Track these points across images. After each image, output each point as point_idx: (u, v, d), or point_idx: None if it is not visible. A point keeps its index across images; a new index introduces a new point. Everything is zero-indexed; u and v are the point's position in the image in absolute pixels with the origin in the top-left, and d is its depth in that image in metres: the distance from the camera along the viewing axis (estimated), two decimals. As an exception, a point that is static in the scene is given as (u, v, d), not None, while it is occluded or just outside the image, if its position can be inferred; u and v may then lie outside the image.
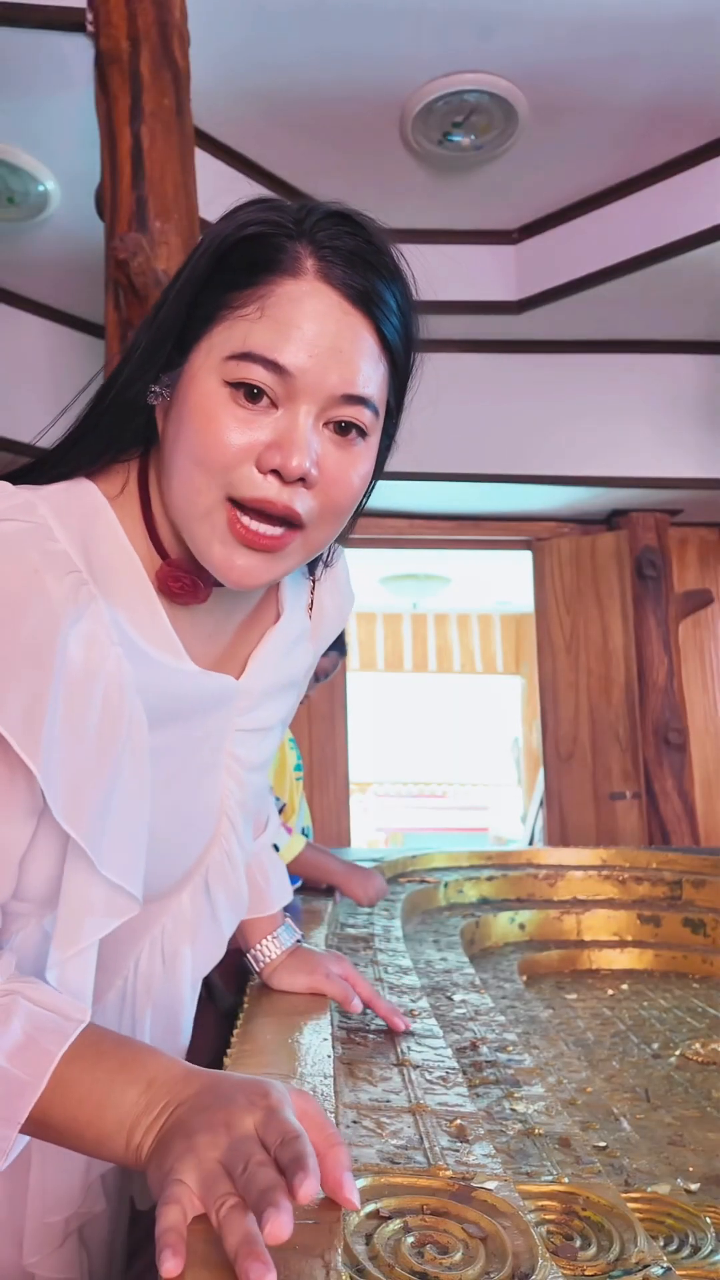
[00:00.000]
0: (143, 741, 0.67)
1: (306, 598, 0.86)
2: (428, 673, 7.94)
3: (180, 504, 0.66)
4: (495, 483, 4.07)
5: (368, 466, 0.68)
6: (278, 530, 0.64)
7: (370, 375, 0.64)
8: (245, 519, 0.64)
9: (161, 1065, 0.58)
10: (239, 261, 0.64)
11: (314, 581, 0.86)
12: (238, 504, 0.64)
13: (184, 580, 0.69)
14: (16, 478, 0.69)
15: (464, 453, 3.99)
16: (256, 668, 0.80)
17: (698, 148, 3.06)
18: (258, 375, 0.62)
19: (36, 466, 0.71)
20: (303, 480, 0.63)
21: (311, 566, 0.85)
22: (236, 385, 0.62)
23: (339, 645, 2.38)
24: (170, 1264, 0.46)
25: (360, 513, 0.73)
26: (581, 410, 4.05)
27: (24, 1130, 0.58)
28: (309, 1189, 0.48)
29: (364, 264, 0.64)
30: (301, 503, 0.64)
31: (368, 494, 0.71)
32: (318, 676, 2.36)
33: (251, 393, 0.62)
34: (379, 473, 0.72)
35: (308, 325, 0.62)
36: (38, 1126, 0.58)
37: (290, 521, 0.64)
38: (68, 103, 2.61)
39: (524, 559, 4.69)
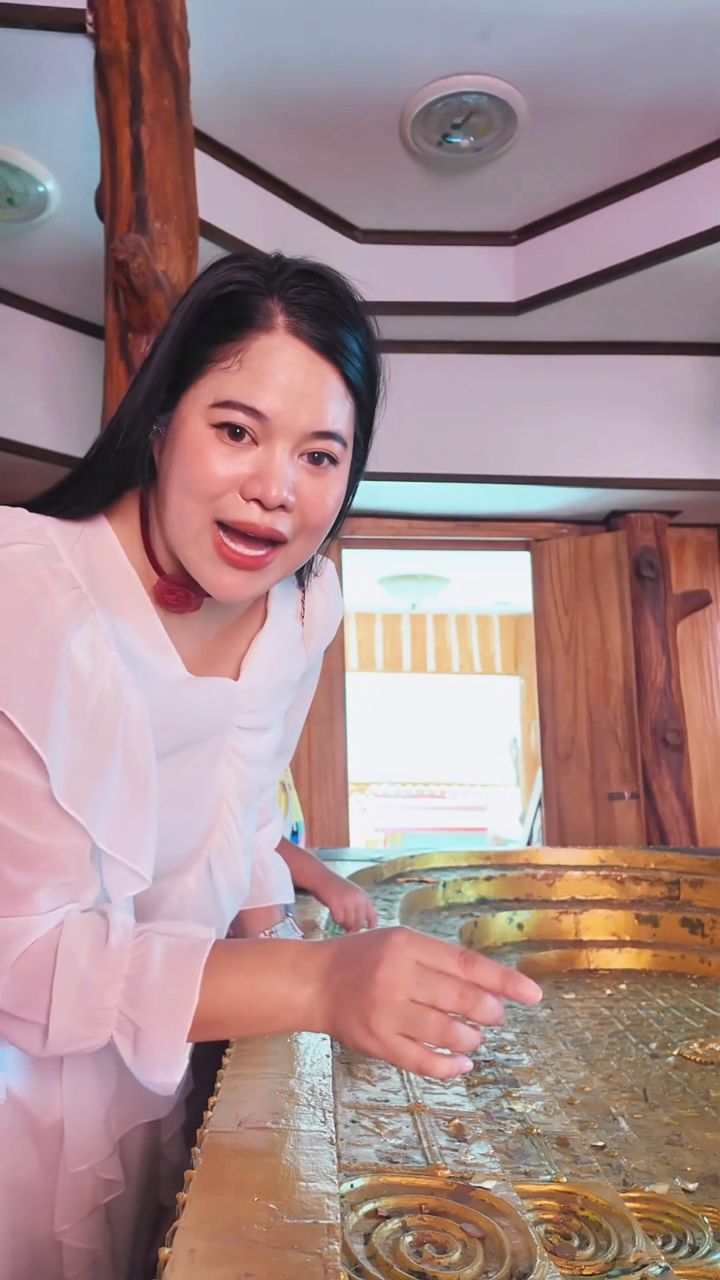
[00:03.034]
0: (142, 735, 0.75)
1: (295, 606, 0.94)
2: (427, 673, 7.94)
3: (173, 529, 0.75)
4: (494, 483, 4.07)
5: (340, 489, 0.77)
6: (261, 550, 0.73)
7: (338, 413, 0.73)
8: (230, 542, 0.73)
9: (294, 947, 0.70)
10: (218, 318, 0.72)
11: (303, 590, 0.94)
12: (224, 526, 0.73)
13: (178, 593, 0.79)
14: (38, 507, 0.77)
15: (462, 454, 3.99)
16: (253, 670, 0.88)
17: (697, 148, 3.06)
18: (238, 418, 0.70)
19: (56, 502, 0.78)
20: (282, 506, 0.72)
21: (300, 577, 0.93)
22: (220, 426, 0.71)
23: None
24: (446, 1067, 0.61)
25: (335, 533, 0.82)
26: (580, 411, 4.05)
27: (198, 1035, 0.67)
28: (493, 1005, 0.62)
29: (328, 316, 0.72)
30: (283, 524, 0.73)
31: (342, 515, 0.81)
32: None
33: (234, 432, 0.71)
34: (351, 495, 0.81)
35: (280, 374, 0.70)
36: (209, 1027, 0.67)
37: (273, 540, 0.73)
38: (68, 103, 2.61)
39: (523, 560, 4.70)
